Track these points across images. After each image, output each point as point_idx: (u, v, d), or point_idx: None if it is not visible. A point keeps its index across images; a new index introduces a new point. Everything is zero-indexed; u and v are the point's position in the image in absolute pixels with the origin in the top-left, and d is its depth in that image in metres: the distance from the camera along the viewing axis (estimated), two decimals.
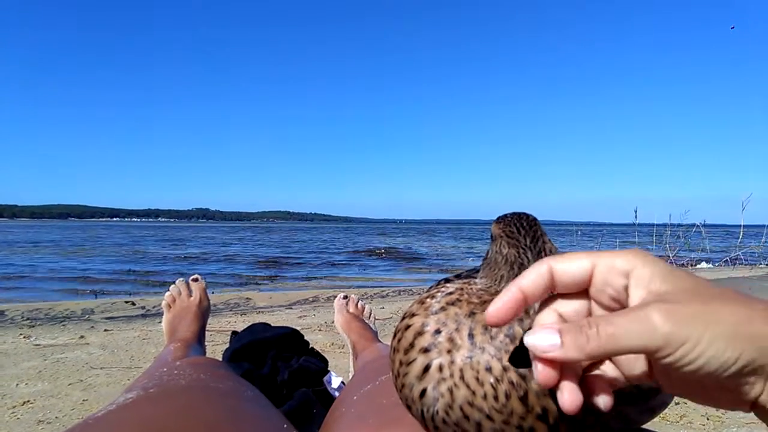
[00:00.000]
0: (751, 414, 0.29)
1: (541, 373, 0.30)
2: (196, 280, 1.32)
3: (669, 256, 9.04)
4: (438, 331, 0.39)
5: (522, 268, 0.39)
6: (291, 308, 4.03)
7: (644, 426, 0.43)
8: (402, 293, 5.11)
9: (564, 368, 0.31)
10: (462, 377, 0.37)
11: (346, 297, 1.47)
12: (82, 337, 2.75)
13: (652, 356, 0.27)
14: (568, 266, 0.32)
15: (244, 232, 33.80)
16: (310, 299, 4.70)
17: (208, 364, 0.84)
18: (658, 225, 10.34)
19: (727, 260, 9.37)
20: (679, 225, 9.88)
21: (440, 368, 0.38)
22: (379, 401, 0.60)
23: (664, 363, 0.27)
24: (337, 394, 1.10)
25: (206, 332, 1.23)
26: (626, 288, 0.31)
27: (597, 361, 0.32)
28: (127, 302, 4.45)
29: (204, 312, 1.24)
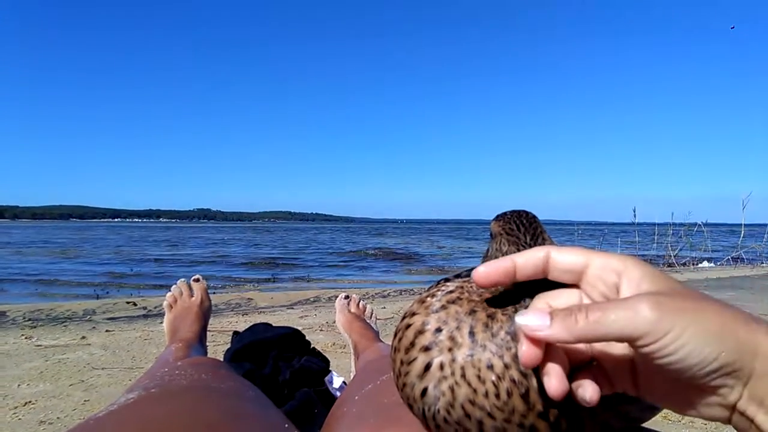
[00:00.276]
0: None
1: (525, 351, 0.31)
2: (197, 280, 1.32)
3: (670, 255, 9.03)
4: (439, 330, 0.39)
5: None
6: (292, 308, 4.04)
7: (645, 424, 0.43)
8: (403, 293, 5.11)
9: (551, 354, 0.32)
10: (463, 375, 0.37)
11: (347, 297, 1.47)
12: (83, 337, 2.75)
13: (635, 344, 0.28)
14: (565, 256, 0.34)
15: (245, 233, 33.84)
16: (312, 299, 4.70)
17: (210, 365, 0.84)
18: (658, 224, 10.34)
19: (728, 259, 9.36)
20: (680, 224, 9.87)
21: (441, 366, 0.38)
22: (380, 401, 0.60)
23: (645, 351, 0.28)
24: (338, 394, 1.10)
25: (207, 332, 1.23)
26: (617, 286, 0.32)
27: (584, 362, 0.34)
28: (128, 303, 4.46)
29: (205, 312, 1.24)
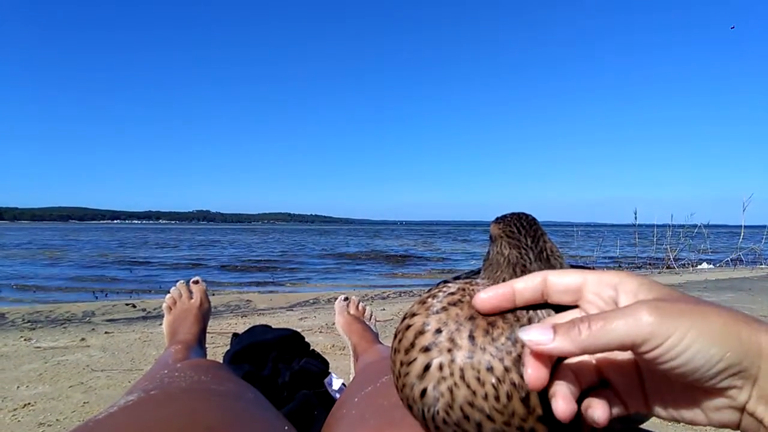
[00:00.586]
0: None
1: (532, 374, 0.31)
2: (196, 282, 1.32)
3: (669, 257, 9.04)
4: (439, 331, 0.39)
5: (524, 268, 0.39)
6: (292, 310, 4.03)
7: (645, 426, 0.43)
8: (403, 295, 5.10)
9: (558, 376, 0.32)
10: (462, 377, 0.37)
11: (346, 299, 1.47)
12: (82, 339, 2.75)
13: (639, 350, 0.28)
14: (562, 277, 0.35)
15: (245, 234, 33.82)
16: (311, 301, 4.70)
17: (209, 366, 0.84)
18: (658, 226, 10.35)
19: (728, 261, 9.36)
20: (680, 226, 9.88)
21: (440, 367, 0.38)
22: (380, 403, 0.60)
23: (650, 357, 0.28)
24: (338, 395, 1.10)
25: (207, 334, 1.23)
26: (614, 299, 0.33)
27: (594, 383, 0.34)
28: (127, 304, 4.46)
29: (205, 314, 1.24)
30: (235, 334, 1.32)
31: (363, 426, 0.56)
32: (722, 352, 0.27)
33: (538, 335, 0.31)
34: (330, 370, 1.23)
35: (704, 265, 8.94)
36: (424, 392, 0.39)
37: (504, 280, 0.40)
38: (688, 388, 0.29)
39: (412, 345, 0.40)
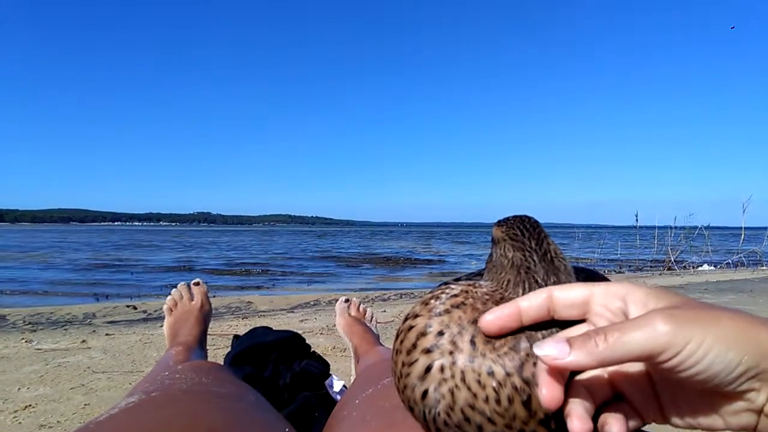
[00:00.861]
0: None
1: (546, 394, 0.31)
2: (197, 284, 1.32)
3: (670, 259, 9.03)
4: (441, 333, 0.39)
5: (529, 271, 0.39)
6: (292, 312, 4.03)
7: (646, 428, 0.43)
8: (403, 296, 5.10)
9: (572, 394, 0.32)
10: (463, 379, 0.37)
11: (347, 300, 1.47)
12: (83, 341, 2.75)
13: (658, 360, 0.28)
14: (567, 292, 0.34)
15: (245, 236, 33.82)
16: (312, 303, 4.70)
17: (210, 368, 0.84)
18: (659, 227, 10.34)
19: (728, 262, 9.35)
20: (681, 227, 9.88)
21: (442, 369, 0.38)
22: (380, 404, 0.60)
23: (669, 366, 0.28)
24: (338, 397, 1.10)
25: (208, 336, 1.23)
26: (622, 310, 0.32)
27: (608, 397, 0.33)
28: (128, 306, 4.46)
29: (205, 316, 1.24)
30: (235, 336, 1.32)
31: (364, 428, 0.56)
32: (740, 356, 0.27)
33: (554, 350, 0.30)
34: (331, 372, 1.23)
35: (705, 267, 8.93)
36: (425, 394, 0.39)
37: (508, 282, 0.40)
38: (705, 394, 0.29)
39: (414, 346, 0.40)
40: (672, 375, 0.28)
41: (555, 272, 0.39)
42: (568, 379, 0.33)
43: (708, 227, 10.16)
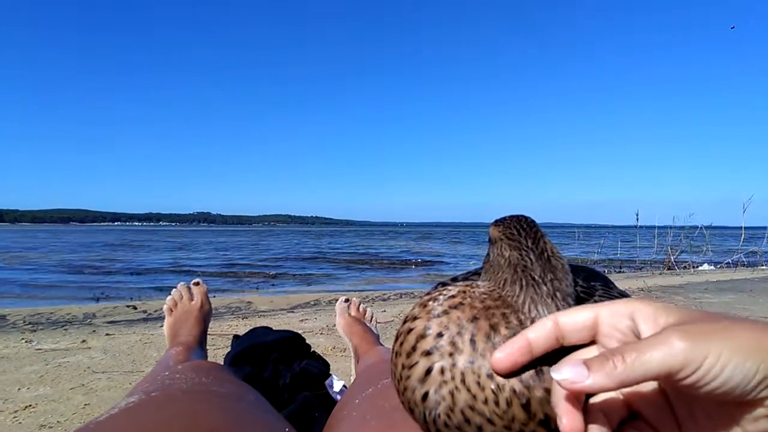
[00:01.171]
0: None
1: (567, 424, 0.30)
2: (197, 284, 1.32)
3: (670, 259, 9.03)
4: (440, 335, 0.39)
5: (526, 269, 0.39)
6: (292, 312, 4.03)
7: None
8: (403, 296, 5.10)
9: (590, 417, 0.31)
10: (463, 380, 0.37)
11: (347, 300, 1.47)
12: (83, 341, 2.75)
13: (677, 377, 0.28)
14: (573, 316, 0.34)
15: (242, 236, 33.81)
16: (312, 303, 4.70)
17: (210, 368, 0.84)
18: (659, 227, 10.34)
19: (728, 262, 9.35)
20: (681, 227, 9.88)
21: (442, 371, 0.38)
22: (380, 404, 0.60)
23: (690, 382, 0.27)
24: (338, 397, 1.10)
25: (208, 336, 1.23)
26: (632, 329, 0.32)
27: (624, 417, 0.33)
28: (128, 306, 4.46)
29: (205, 316, 1.24)
30: (235, 336, 1.33)
31: (364, 428, 0.56)
32: (757, 364, 0.27)
33: (572, 373, 0.29)
34: (331, 372, 1.23)
35: (705, 267, 8.93)
36: (425, 396, 0.39)
37: (505, 281, 0.40)
38: (722, 405, 0.29)
39: (414, 348, 0.40)
40: (692, 391, 0.28)
41: (552, 270, 0.39)
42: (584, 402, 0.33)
43: (708, 227, 10.16)
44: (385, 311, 3.68)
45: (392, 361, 0.43)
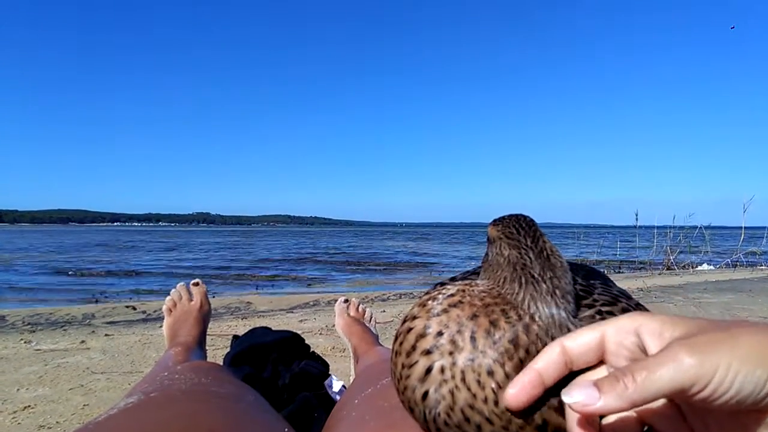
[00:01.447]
0: None
1: None
2: (197, 284, 1.32)
3: (669, 259, 9.04)
4: (440, 333, 0.39)
5: (525, 267, 0.39)
6: (292, 312, 4.03)
7: None
8: (403, 297, 5.10)
9: None
10: (463, 379, 0.37)
11: (346, 300, 1.47)
12: (82, 341, 2.75)
13: (689, 393, 0.27)
14: (579, 339, 0.33)
15: (244, 237, 33.80)
16: (311, 303, 4.70)
17: (209, 369, 0.84)
18: (658, 227, 10.35)
19: (728, 262, 9.36)
20: (681, 227, 9.89)
21: (442, 370, 0.38)
22: (380, 404, 0.60)
23: (702, 397, 0.27)
24: (338, 397, 1.10)
25: (207, 336, 1.23)
26: (638, 345, 0.31)
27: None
28: (128, 307, 4.45)
29: (205, 316, 1.24)
30: (235, 336, 1.32)
31: (363, 428, 0.56)
32: (767, 372, 0.26)
33: (584, 396, 0.28)
34: (330, 372, 1.23)
35: (704, 267, 8.94)
36: (425, 395, 0.39)
37: (505, 279, 0.40)
38: (736, 414, 0.29)
39: (414, 348, 0.40)
40: (705, 404, 0.28)
41: (551, 268, 0.39)
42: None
43: (708, 227, 10.17)
44: (384, 311, 3.68)
45: (392, 360, 0.43)
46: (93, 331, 3.13)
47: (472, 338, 0.38)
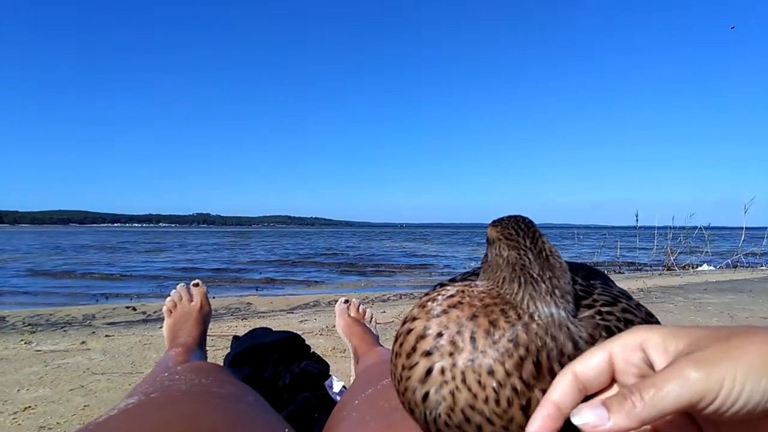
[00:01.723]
0: None
1: None
2: (197, 285, 1.32)
3: (670, 260, 9.04)
4: (440, 334, 0.39)
5: (524, 269, 0.39)
6: (292, 312, 4.03)
7: None
8: (403, 297, 5.10)
9: None
10: (464, 380, 0.37)
11: (347, 301, 1.47)
12: (83, 342, 2.75)
13: (697, 408, 0.28)
14: (588, 363, 0.33)
15: (244, 237, 33.81)
16: (311, 304, 4.70)
17: (210, 369, 0.84)
18: (658, 228, 10.36)
19: (728, 262, 9.36)
20: (681, 228, 9.89)
21: (442, 371, 0.38)
22: (380, 405, 0.60)
23: (710, 412, 0.27)
24: (338, 398, 1.10)
25: (207, 337, 1.23)
26: (645, 361, 0.31)
27: None
28: (128, 307, 4.45)
29: (205, 317, 1.24)
30: (235, 337, 1.32)
31: (363, 428, 0.56)
32: None
33: (593, 417, 0.29)
34: (330, 373, 1.23)
35: (705, 267, 8.94)
36: (426, 396, 0.39)
37: (504, 279, 0.40)
38: (748, 421, 0.29)
39: (414, 349, 0.40)
40: (715, 417, 0.28)
41: (550, 269, 0.39)
42: None
43: (708, 227, 10.17)
44: (384, 312, 3.68)
45: (392, 361, 0.43)
46: (93, 332, 3.13)
47: (472, 338, 0.38)
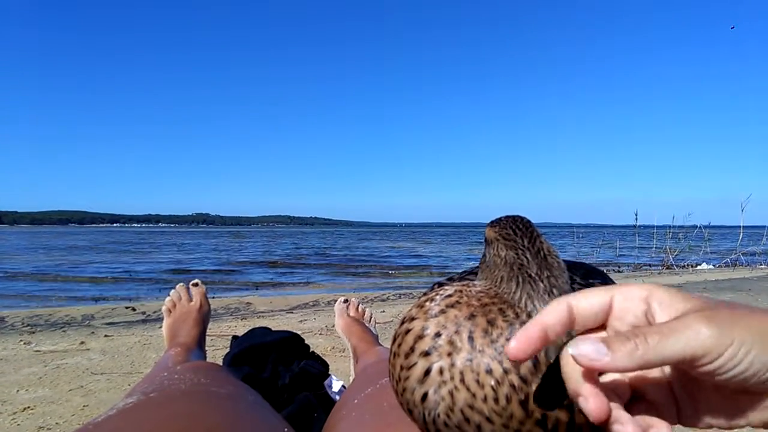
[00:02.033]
0: None
1: (593, 407, 0.29)
2: (196, 284, 1.32)
3: (669, 258, 9.05)
4: (438, 334, 0.39)
5: (522, 268, 0.39)
6: (291, 312, 4.03)
7: None
8: (402, 297, 5.10)
9: (611, 398, 0.31)
10: (462, 380, 0.37)
11: (346, 301, 1.47)
12: (82, 342, 2.75)
13: (697, 363, 0.27)
14: (587, 300, 0.32)
15: (244, 237, 33.79)
16: (311, 303, 4.69)
17: (209, 369, 0.84)
18: (658, 227, 10.37)
19: (727, 261, 9.37)
20: (680, 227, 9.90)
21: (441, 371, 0.38)
22: (379, 404, 0.61)
23: (708, 370, 0.27)
24: (337, 397, 1.10)
25: (206, 337, 1.23)
26: (646, 313, 0.31)
27: (626, 400, 0.32)
28: (127, 308, 4.45)
29: (204, 317, 1.24)
30: (234, 337, 1.33)
31: (363, 427, 0.56)
32: None
33: (591, 350, 0.28)
34: (330, 372, 1.23)
35: (704, 266, 8.94)
36: (425, 396, 0.39)
37: (502, 279, 0.40)
38: (730, 393, 0.29)
39: (412, 349, 0.40)
40: (707, 377, 0.28)
41: (548, 268, 0.39)
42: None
43: (707, 226, 10.18)
44: (384, 311, 3.68)
45: (390, 362, 0.43)
46: (92, 332, 3.13)
47: (470, 338, 0.38)
